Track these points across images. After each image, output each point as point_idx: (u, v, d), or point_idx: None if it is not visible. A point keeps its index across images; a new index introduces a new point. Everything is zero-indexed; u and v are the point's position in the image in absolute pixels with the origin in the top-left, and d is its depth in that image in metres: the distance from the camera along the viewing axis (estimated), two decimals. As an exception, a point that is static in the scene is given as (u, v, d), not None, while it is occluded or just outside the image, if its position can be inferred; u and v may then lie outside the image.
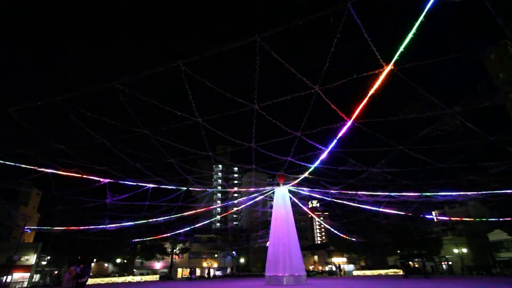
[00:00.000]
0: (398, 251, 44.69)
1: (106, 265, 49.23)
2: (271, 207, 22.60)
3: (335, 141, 11.27)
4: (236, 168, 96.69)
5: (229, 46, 6.83)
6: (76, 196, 15.79)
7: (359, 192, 18.41)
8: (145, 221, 21.48)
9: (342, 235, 36.21)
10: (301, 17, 6.21)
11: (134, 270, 44.24)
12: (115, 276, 41.31)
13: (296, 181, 19.14)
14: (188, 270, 51.10)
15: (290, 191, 21.30)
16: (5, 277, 29.56)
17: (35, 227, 34.08)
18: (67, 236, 29.83)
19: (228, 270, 51.48)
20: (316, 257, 57.32)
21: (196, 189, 21.02)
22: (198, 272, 51.53)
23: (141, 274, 44.42)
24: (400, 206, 22.31)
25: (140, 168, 13.48)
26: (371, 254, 47.37)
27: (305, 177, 17.15)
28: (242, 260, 52.51)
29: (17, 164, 11.70)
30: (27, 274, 34.36)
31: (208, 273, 45.24)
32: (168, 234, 31.18)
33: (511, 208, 26.46)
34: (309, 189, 21.29)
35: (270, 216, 21.94)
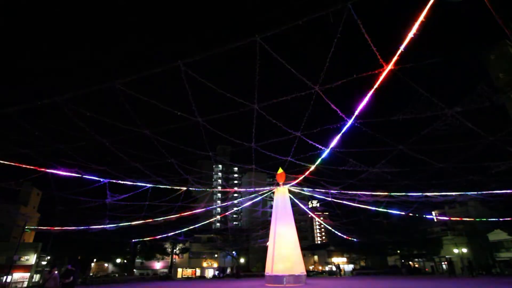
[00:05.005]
0: (398, 251, 44.68)
1: (106, 265, 49.24)
2: (271, 207, 22.60)
3: (335, 141, 11.27)
4: (236, 168, 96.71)
5: (229, 46, 6.82)
6: (76, 196, 15.79)
7: (359, 192, 18.41)
8: (145, 221, 21.47)
9: (342, 235, 36.20)
10: (301, 17, 6.21)
11: (134, 270, 44.26)
12: (115, 275, 41.35)
13: (296, 181, 19.14)
14: (191, 270, 51.16)
15: (290, 191, 21.30)
16: (5, 277, 29.55)
17: (35, 227, 34.06)
18: (67, 236, 29.82)
19: (228, 270, 51.47)
20: (316, 257, 57.31)
21: (197, 189, 21.02)
22: (198, 272, 51.45)
23: (141, 274, 44.45)
24: (400, 206, 22.32)
25: (140, 168, 13.48)
26: (371, 254, 47.36)
27: (305, 177, 17.16)
28: (242, 260, 52.48)
29: (17, 164, 11.69)
30: (27, 274, 34.34)
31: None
32: (168, 234, 31.17)
33: (511, 208, 26.50)
34: (309, 189, 21.29)
35: (270, 216, 21.94)
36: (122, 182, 15.19)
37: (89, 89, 7.51)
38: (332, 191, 18.73)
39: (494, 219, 30.19)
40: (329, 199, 22.26)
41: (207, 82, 7.93)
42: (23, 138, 9.87)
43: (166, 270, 47.47)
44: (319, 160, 12.40)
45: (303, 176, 13.60)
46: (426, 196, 17.23)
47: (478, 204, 41.48)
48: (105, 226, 20.86)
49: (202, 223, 34.32)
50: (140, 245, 41.25)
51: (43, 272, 38.61)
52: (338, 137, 10.33)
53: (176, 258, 47.94)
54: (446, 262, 40.33)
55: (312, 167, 12.84)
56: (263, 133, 12.25)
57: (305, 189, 21.63)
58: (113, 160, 12.29)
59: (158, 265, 50.00)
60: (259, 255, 47.79)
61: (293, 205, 22.33)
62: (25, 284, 33.41)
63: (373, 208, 23.58)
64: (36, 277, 37.90)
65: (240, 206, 43.09)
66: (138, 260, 45.82)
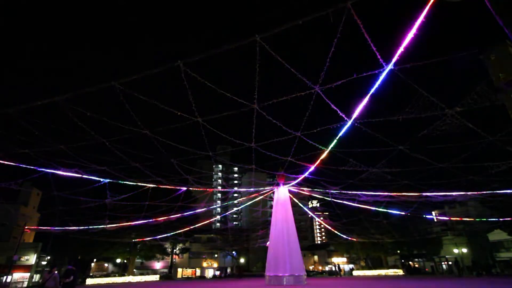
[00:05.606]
0: (398, 251, 44.65)
1: (106, 265, 49.22)
2: (271, 207, 22.59)
3: (335, 140, 11.27)
4: (236, 168, 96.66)
5: (229, 46, 6.82)
6: (76, 196, 15.79)
7: (359, 192, 18.40)
8: (145, 221, 21.45)
9: (342, 235, 36.16)
10: (301, 17, 6.20)
11: (134, 270, 44.24)
12: (115, 276, 41.32)
13: (296, 181, 19.13)
14: (191, 270, 51.15)
15: (290, 191, 21.28)
16: (5, 277, 29.54)
17: (35, 227, 34.06)
18: (67, 236, 29.83)
19: (228, 270, 51.54)
20: (316, 257, 57.32)
21: (197, 189, 21.01)
22: (198, 272, 51.36)
23: (141, 274, 44.41)
24: (400, 206, 22.32)
25: (140, 168, 13.48)
26: (371, 254, 47.35)
27: (305, 177, 17.14)
28: (242, 260, 52.45)
29: (17, 164, 11.69)
30: (27, 274, 34.34)
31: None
32: (168, 234, 31.16)
33: (511, 208, 26.47)
34: (309, 189, 21.28)
35: (270, 216, 21.93)
36: (122, 182, 15.20)
37: (89, 89, 7.51)
38: (332, 191, 18.73)
39: (494, 219, 30.16)
40: (329, 199, 22.26)
41: (207, 82, 7.93)
42: (23, 138, 9.86)
43: (166, 270, 47.45)
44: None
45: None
46: (426, 196, 17.23)
47: (478, 204, 41.45)
48: (105, 226, 20.86)
49: (202, 223, 34.28)
50: (140, 245, 41.24)
51: (43, 272, 38.59)
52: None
53: (176, 258, 47.91)
54: (446, 262, 40.37)
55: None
56: (263, 133, 12.24)
57: (305, 189, 21.62)
58: (113, 160, 12.28)
59: (158, 265, 49.96)
60: (259, 255, 47.81)
61: (293, 205, 22.31)
62: (25, 284, 33.40)
63: (373, 208, 23.57)
64: (36, 277, 37.88)
65: (240, 206, 43.09)
66: (138, 260, 45.76)
